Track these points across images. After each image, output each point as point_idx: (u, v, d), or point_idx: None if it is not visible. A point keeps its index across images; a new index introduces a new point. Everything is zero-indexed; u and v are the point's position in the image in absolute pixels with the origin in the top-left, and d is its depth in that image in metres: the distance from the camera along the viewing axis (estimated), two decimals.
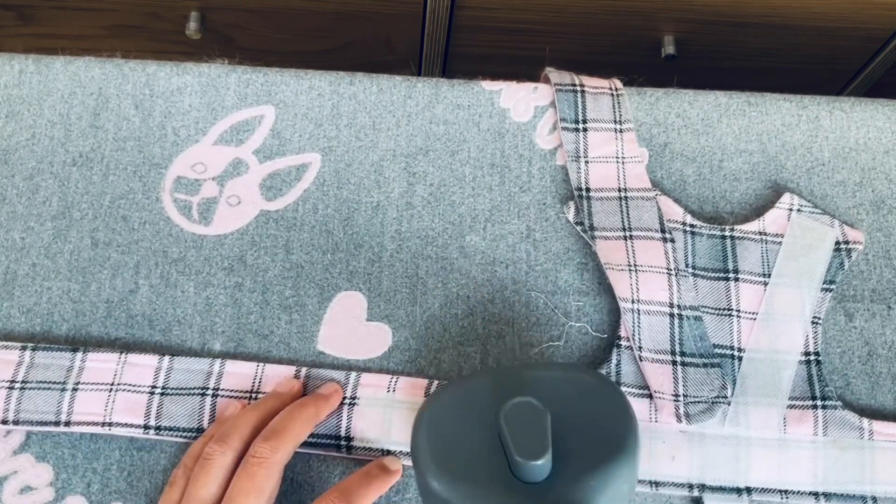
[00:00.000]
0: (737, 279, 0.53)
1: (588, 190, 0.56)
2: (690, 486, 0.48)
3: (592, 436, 0.42)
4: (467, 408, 0.43)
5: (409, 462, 0.48)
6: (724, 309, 0.52)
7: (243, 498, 0.42)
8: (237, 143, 0.57)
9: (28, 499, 0.47)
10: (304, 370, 0.50)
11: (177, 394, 0.49)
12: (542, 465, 0.39)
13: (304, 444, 0.47)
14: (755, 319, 0.52)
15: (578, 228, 0.55)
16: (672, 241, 0.53)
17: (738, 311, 0.52)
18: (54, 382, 0.49)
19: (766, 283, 0.53)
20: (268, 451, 0.44)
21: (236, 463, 0.44)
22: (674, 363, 0.50)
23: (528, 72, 0.63)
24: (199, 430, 0.48)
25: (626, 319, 0.51)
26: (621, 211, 0.55)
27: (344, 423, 0.49)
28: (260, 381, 0.50)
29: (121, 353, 0.50)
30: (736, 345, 0.51)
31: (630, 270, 0.52)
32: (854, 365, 0.53)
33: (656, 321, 0.51)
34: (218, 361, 0.50)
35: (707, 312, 0.52)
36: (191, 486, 0.44)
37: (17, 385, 0.49)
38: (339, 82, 0.59)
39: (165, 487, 0.45)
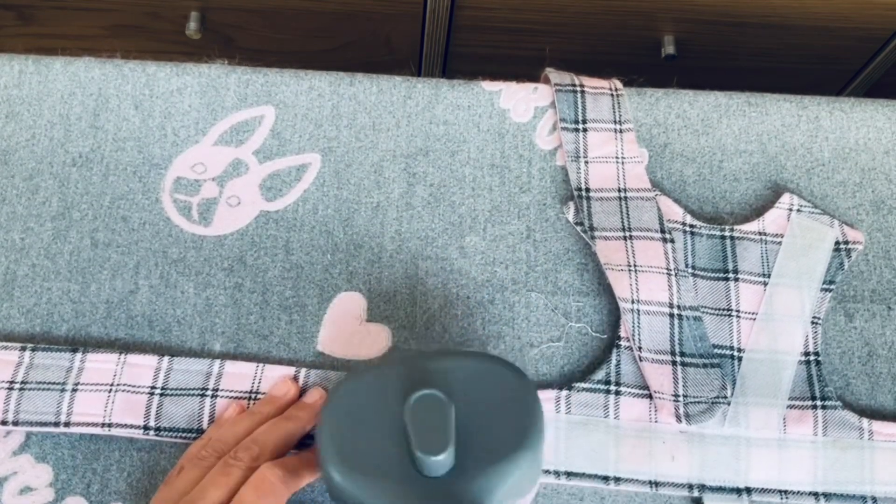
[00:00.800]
0: (736, 279, 0.53)
1: (588, 190, 0.56)
2: (690, 487, 0.48)
3: (497, 428, 0.41)
4: (375, 397, 0.41)
5: None
6: (723, 309, 0.52)
7: (213, 489, 0.42)
8: (237, 144, 0.57)
9: (28, 499, 0.47)
10: (303, 371, 0.50)
11: (176, 394, 0.49)
12: (442, 461, 0.38)
13: (303, 446, 0.47)
14: (755, 319, 0.52)
15: (578, 229, 0.55)
16: (672, 241, 0.53)
17: (738, 311, 0.52)
18: (54, 383, 0.49)
19: (765, 284, 0.53)
20: (247, 458, 0.44)
21: None
22: (674, 363, 0.50)
23: (528, 72, 0.63)
24: (199, 431, 0.48)
25: (625, 320, 0.51)
26: (621, 211, 0.55)
27: None
28: (259, 382, 0.50)
29: (120, 353, 0.50)
30: (736, 345, 0.51)
31: (630, 271, 0.52)
32: (854, 365, 0.53)
33: (656, 321, 0.51)
34: (217, 362, 0.50)
35: (707, 312, 0.52)
36: (179, 483, 0.44)
37: (17, 386, 0.49)
38: (339, 82, 0.59)
39: (161, 486, 0.45)
